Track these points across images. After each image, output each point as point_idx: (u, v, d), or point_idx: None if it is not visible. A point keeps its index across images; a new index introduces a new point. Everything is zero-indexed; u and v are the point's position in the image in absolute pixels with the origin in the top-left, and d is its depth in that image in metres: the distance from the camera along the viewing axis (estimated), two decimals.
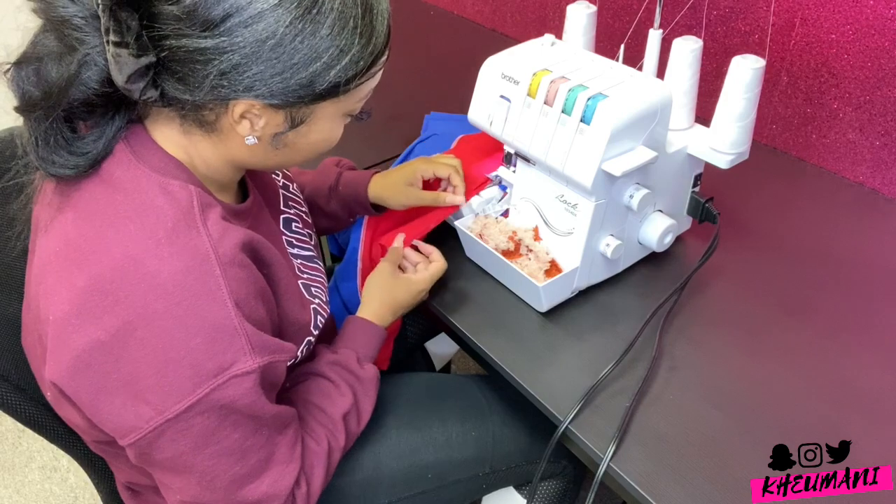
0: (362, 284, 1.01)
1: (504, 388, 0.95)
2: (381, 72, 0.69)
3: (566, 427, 0.78)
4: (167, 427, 0.62)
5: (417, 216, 1.03)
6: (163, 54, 0.59)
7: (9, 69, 0.61)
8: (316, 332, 0.81)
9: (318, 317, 0.82)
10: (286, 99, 0.62)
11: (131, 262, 0.61)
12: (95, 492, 0.94)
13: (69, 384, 0.62)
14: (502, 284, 0.98)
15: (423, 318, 0.98)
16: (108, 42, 0.57)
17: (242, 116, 0.64)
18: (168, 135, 0.67)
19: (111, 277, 0.61)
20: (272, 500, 0.70)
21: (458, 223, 0.99)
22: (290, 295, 0.76)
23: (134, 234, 0.62)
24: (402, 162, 1.17)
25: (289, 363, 0.77)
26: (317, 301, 0.83)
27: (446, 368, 1.47)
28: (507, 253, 0.94)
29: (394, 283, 0.91)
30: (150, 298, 0.60)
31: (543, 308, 0.92)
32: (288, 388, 0.83)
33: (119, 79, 0.59)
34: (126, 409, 0.62)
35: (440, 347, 1.39)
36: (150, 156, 0.66)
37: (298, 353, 0.79)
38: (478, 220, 0.99)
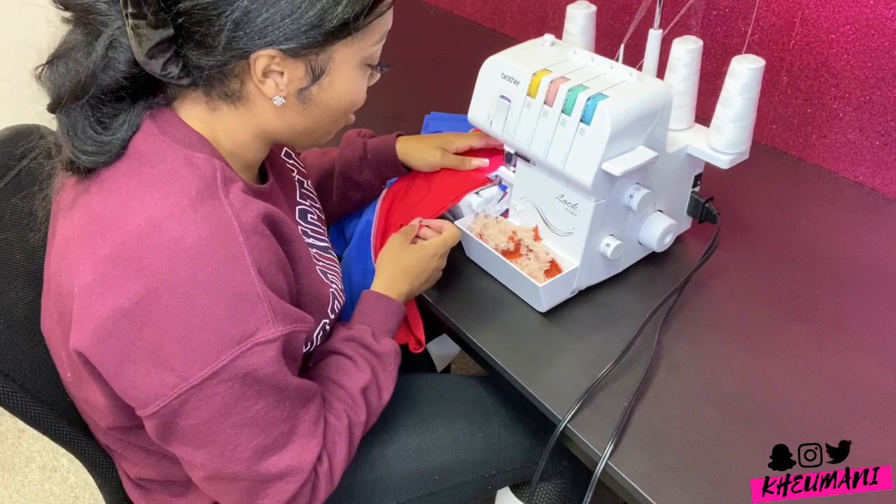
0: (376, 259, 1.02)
1: (508, 390, 0.95)
2: (390, 13, 0.71)
3: (565, 426, 0.78)
4: (191, 394, 0.62)
5: (433, 193, 1.03)
6: (179, 20, 0.61)
7: (42, 69, 0.65)
8: (332, 316, 0.82)
9: (335, 301, 0.82)
10: (300, 41, 0.64)
11: (155, 229, 0.62)
12: (95, 492, 0.94)
13: (94, 352, 0.63)
14: (502, 284, 0.98)
15: (423, 319, 0.98)
16: (126, 15, 0.60)
17: (265, 75, 0.66)
18: (194, 113, 0.69)
19: (135, 245, 0.62)
20: (295, 473, 0.70)
21: (458, 223, 0.99)
22: (310, 273, 0.77)
23: (158, 202, 0.63)
24: None
25: (304, 350, 0.77)
26: (334, 286, 0.83)
27: (446, 370, 1.47)
28: (507, 253, 0.94)
29: (403, 251, 0.92)
30: (175, 265, 0.61)
31: (543, 308, 0.92)
32: (309, 367, 0.83)
33: (140, 53, 0.61)
34: (150, 376, 0.62)
35: (441, 348, 1.39)
36: (175, 131, 0.68)
37: (314, 338, 0.79)
38: (478, 220, 0.99)
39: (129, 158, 0.66)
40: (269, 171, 0.82)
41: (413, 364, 1.28)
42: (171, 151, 0.66)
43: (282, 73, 0.66)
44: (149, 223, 0.62)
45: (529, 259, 0.93)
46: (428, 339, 1.29)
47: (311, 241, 0.86)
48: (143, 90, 0.67)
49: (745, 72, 0.85)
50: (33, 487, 1.66)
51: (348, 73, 0.70)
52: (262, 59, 0.64)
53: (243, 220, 0.64)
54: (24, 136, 0.90)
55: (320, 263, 0.83)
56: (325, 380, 0.80)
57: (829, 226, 1.07)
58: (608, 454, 0.74)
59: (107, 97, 0.65)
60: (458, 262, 1.02)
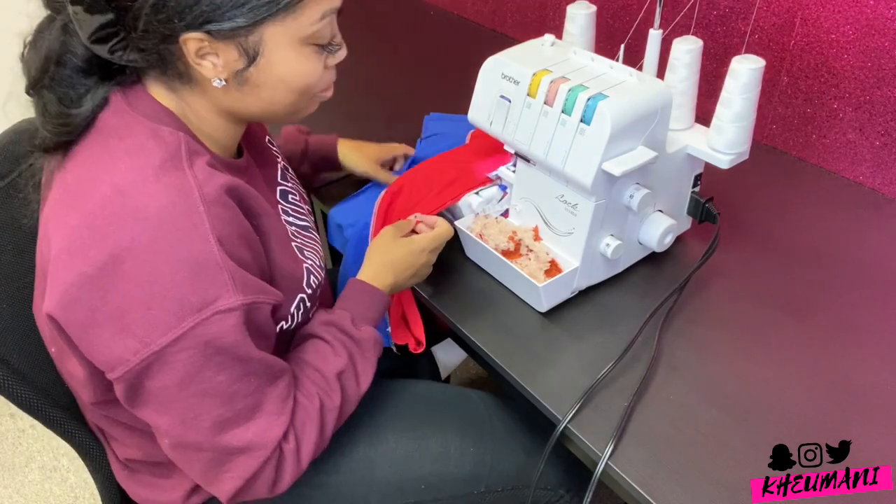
0: None
1: (506, 408, 0.94)
2: None
3: (565, 426, 0.78)
4: (153, 360, 0.63)
5: (433, 193, 1.04)
6: (113, 5, 0.63)
7: (25, 51, 0.68)
8: (309, 291, 0.81)
9: (312, 277, 0.82)
10: (222, 24, 0.64)
11: (119, 197, 0.63)
12: (95, 492, 0.94)
13: (62, 317, 0.65)
14: (502, 284, 0.98)
15: (426, 320, 0.98)
16: (67, 2, 0.62)
17: (201, 57, 0.66)
18: (161, 92, 0.71)
19: (100, 213, 0.63)
20: (258, 449, 0.70)
21: (458, 223, 0.99)
22: (282, 249, 0.78)
23: (124, 172, 0.65)
24: (409, 162, 1.19)
25: (284, 326, 0.78)
26: (310, 262, 0.83)
27: (446, 378, 1.46)
28: (507, 253, 0.94)
29: (393, 243, 0.91)
30: (137, 232, 0.62)
31: (543, 308, 0.92)
32: (288, 351, 0.83)
33: (83, 37, 0.63)
34: (114, 341, 0.63)
35: (447, 355, 1.38)
36: (144, 106, 0.69)
37: (292, 311, 0.79)
38: (478, 220, 0.99)
39: (98, 132, 0.68)
40: (245, 150, 0.83)
41: (413, 368, 1.27)
42: (139, 125, 0.68)
43: (217, 55, 0.67)
44: (113, 192, 0.64)
45: (529, 259, 0.93)
46: (433, 343, 1.29)
47: (290, 219, 0.86)
48: (112, 69, 0.68)
49: (745, 72, 0.85)
50: (33, 487, 1.66)
51: (287, 54, 0.69)
52: (190, 42, 0.65)
53: (205, 191, 0.65)
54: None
55: (297, 240, 0.84)
56: (301, 362, 0.79)
57: (829, 226, 1.07)
58: (608, 454, 0.74)
59: (74, 77, 0.67)
60: (457, 262, 1.02)
